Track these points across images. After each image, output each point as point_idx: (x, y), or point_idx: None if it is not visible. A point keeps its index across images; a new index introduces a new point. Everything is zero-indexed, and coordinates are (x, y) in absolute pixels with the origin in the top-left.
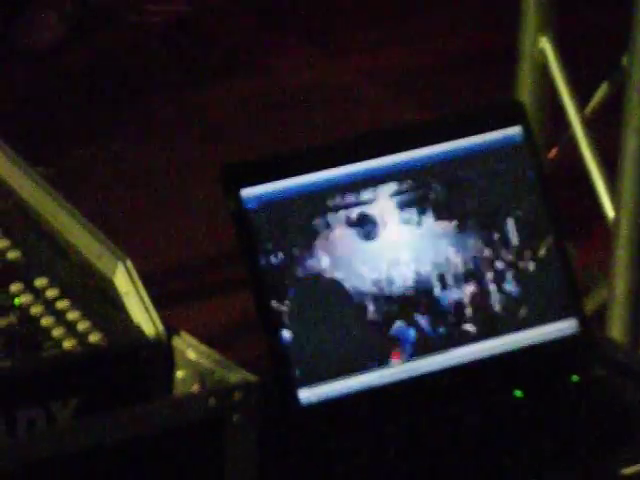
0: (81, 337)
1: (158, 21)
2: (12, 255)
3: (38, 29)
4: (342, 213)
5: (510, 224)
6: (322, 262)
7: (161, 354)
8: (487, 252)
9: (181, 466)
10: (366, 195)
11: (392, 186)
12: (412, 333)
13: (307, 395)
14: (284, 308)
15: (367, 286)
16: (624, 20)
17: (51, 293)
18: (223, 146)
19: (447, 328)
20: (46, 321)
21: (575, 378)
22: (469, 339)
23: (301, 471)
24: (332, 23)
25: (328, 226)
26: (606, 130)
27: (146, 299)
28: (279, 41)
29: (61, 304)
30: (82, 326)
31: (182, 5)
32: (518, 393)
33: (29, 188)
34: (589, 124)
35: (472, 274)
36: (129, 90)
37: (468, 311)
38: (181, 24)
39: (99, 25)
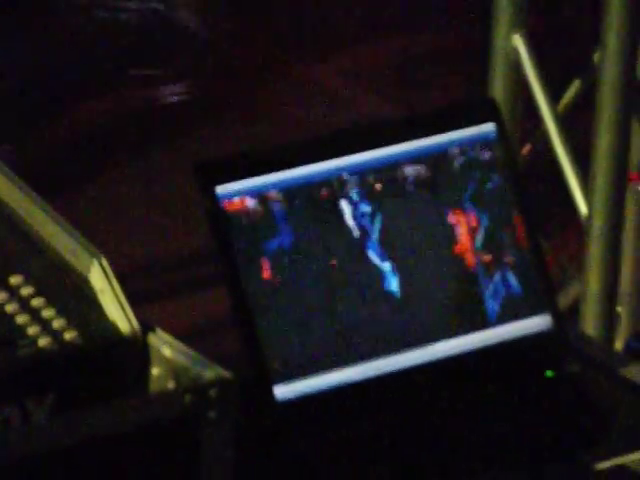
0: (56, 335)
1: (128, 18)
2: None
3: None
4: (317, 209)
5: (484, 220)
6: (297, 258)
7: (136, 351)
8: (460, 248)
9: (157, 463)
10: (340, 191)
11: (366, 182)
12: (387, 329)
13: (283, 391)
14: (260, 304)
15: (343, 280)
16: (596, 17)
17: (26, 291)
18: (196, 144)
19: (422, 325)
20: (21, 319)
21: (549, 374)
22: (443, 335)
23: (278, 468)
24: (303, 22)
25: (302, 221)
26: (579, 126)
27: (121, 296)
28: (250, 40)
29: (36, 302)
30: (57, 324)
31: (153, 2)
32: (492, 389)
33: (3, 186)
34: (562, 121)
35: (446, 270)
36: (99, 84)
37: (442, 307)
38: (152, 20)
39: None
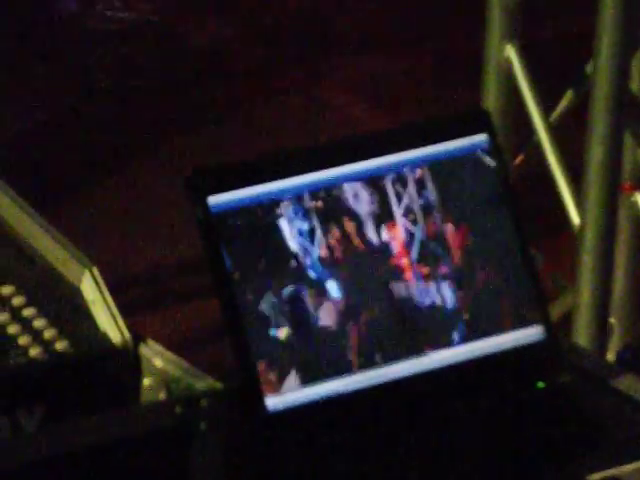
0: (47, 345)
1: (118, 28)
2: None
3: None
4: (310, 219)
5: (476, 231)
6: (290, 267)
7: (128, 362)
8: (453, 258)
9: (148, 473)
10: (333, 200)
11: (360, 192)
12: (378, 340)
13: (275, 402)
14: (251, 315)
15: (336, 292)
16: (589, 28)
17: (17, 301)
18: (192, 152)
19: (414, 336)
20: (12, 329)
21: (541, 385)
22: (436, 347)
23: (268, 478)
24: (308, 31)
25: (295, 232)
26: (571, 137)
27: (113, 307)
28: (251, 48)
29: (27, 312)
30: (48, 334)
31: (145, 13)
32: (484, 400)
33: None
34: (554, 131)
35: (440, 280)
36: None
37: (434, 319)
38: (143, 30)
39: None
